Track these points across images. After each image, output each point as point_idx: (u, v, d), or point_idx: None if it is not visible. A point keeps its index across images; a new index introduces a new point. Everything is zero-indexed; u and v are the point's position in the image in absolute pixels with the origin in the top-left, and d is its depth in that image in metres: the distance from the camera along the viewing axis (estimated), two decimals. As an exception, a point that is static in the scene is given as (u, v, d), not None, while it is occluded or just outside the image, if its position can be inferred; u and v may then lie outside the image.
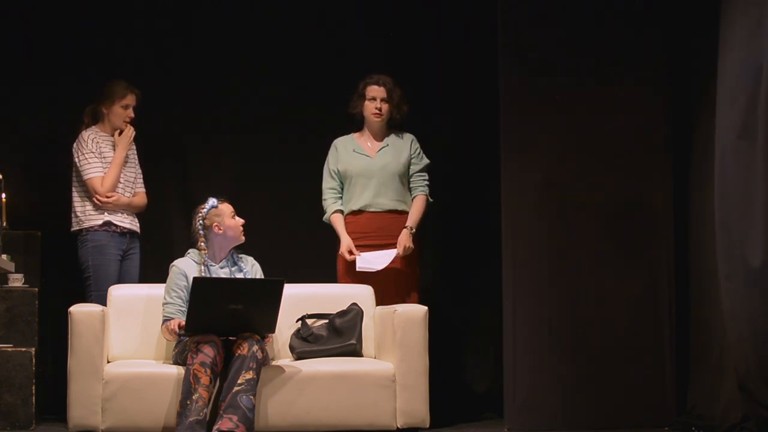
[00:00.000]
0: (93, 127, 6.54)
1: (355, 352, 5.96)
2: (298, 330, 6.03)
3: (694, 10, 6.24)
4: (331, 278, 6.46)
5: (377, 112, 6.47)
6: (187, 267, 5.87)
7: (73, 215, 6.47)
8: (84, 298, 6.31)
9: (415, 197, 6.49)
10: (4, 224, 5.98)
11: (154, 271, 6.42)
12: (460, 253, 7.32)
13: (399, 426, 5.75)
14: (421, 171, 6.52)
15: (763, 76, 5.32)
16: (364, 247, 6.38)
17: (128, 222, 6.50)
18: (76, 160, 6.46)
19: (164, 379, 5.59)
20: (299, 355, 5.93)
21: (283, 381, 5.66)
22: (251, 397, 5.46)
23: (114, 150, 6.49)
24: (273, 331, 5.74)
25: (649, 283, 6.29)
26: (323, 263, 6.64)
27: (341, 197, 6.51)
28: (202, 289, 5.51)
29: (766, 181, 5.29)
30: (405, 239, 6.36)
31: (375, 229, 6.41)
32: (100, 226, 6.41)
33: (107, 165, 6.45)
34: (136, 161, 6.64)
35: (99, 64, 6.93)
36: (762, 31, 5.38)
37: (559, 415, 6.21)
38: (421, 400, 5.77)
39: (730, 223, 5.55)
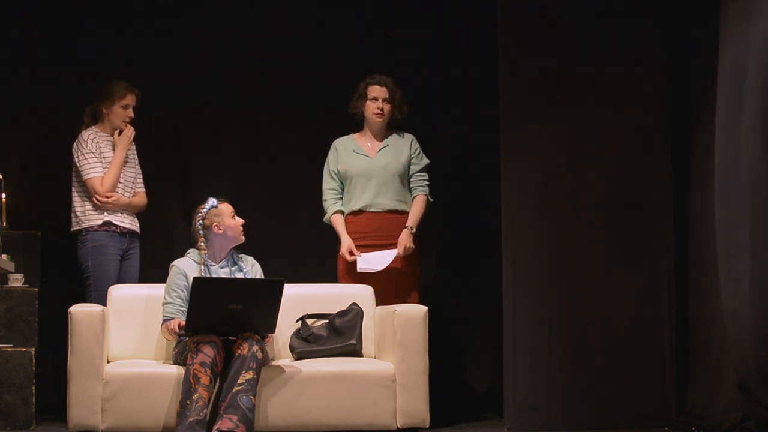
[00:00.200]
0: (93, 127, 6.54)
1: (355, 352, 5.96)
2: (298, 330, 6.03)
3: (694, 9, 6.24)
4: (331, 278, 6.46)
5: (379, 112, 6.47)
6: (187, 267, 5.87)
7: (72, 215, 6.47)
8: (84, 298, 6.31)
9: (415, 197, 6.49)
10: (4, 224, 5.98)
11: (154, 271, 6.42)
12: (460, 253, 7.32)
13: (399, 426, 5.75)
14: (421, 171, 6.52)
15: (760, 74, 5.33)
16: (364, 247, 6.38)
17: (128, 222, 6.50)
18: (76, 160, 6.46)
19: (164, 379, 5.59)
20: (299, 355, 5.93)
21: (283, 381, 5.66)
22: (251, 397, 5.46)
23: (114, 150, 6.50)
24: (273, 331, 5.74)
25: (649, 283, 6.29)
26: (323, 263, 6.65)
27: (341, 198, 6.51)
28: (202, 289, 5.51)
29: None
30: (405, 239, 6.36)
31: (375, 229, 6.41)
32: (100, 226, 6.41)
33: (107, 165, 6.45)
34: (136, 161, 6.64)
35: (99, 64, 6.93)
36: (760, 30, 5.38)
37: (559, 415, 6.21)
38: (421, 400, 5.77)
39: (731, 223, 5.55)
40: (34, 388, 6.10)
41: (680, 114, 6.39)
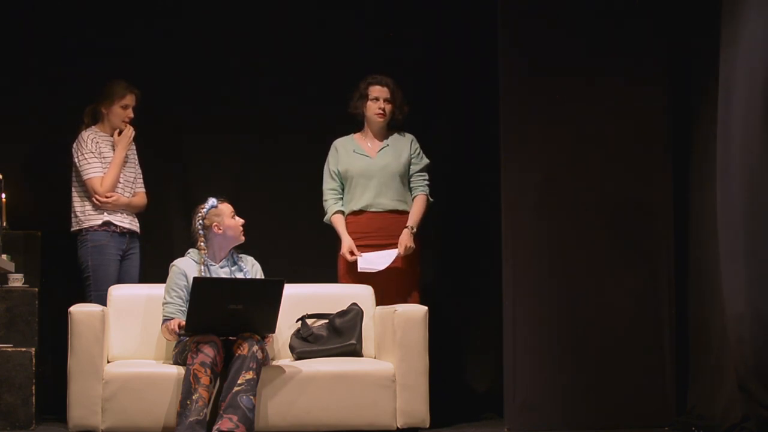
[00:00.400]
0: (93, 127, 6.54)
1: (355, 352, 5.96)
2: (298, 330, 6.03)
3: (695, 9, 6.24)
4: (332, 278, 6.46)
5: (380, 112, 6.47)
6: (187, 267, 5.87)
7: (72, 215, 6.47)
8: (84, 298, 6.31)
9: (415, 197, 6.49)
10: (4, 224, 5.98)
11: (154, 271, 6.42)
12: (460, 253, 7.31)
13: (399, 426, 5.75)
14: (421, 171, 6.52)
15: (762, 73, 5.33)
16: (365, 247, 6.38)
17: (128, 222, 6.50)
18: (76, 160, 6.46)
19: (164, 379, 5.59)
20: (299, 355, 5.93)
21: (283, 381, 5.66)
22: (251, 397, 5.46)
23: (114, 150, 6.49)
24: (273, 331, 5.74)
25: (649, 283, 6.29)
26: (323, 263, 6.65)
27: (342, 198, 6.51)
28: (202, 289, 5.51)
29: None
30: (406, 239, 6.37)
31: (376, 229, 6.42)
32: (100, 226, 6.41)
33: (107, 165, 6.45)
34: (136, 161, 6.64)
35: (99, 64, 6.92)
36: (761, 29, 5.38)
37: (559, 415, 6.21)
38: (421, 400, 5.77)
39: (733, 223, 5.55)
40: (34, 388, 6.10)
41: (680, 114, 6.39)
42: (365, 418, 5.71)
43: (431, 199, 6.52)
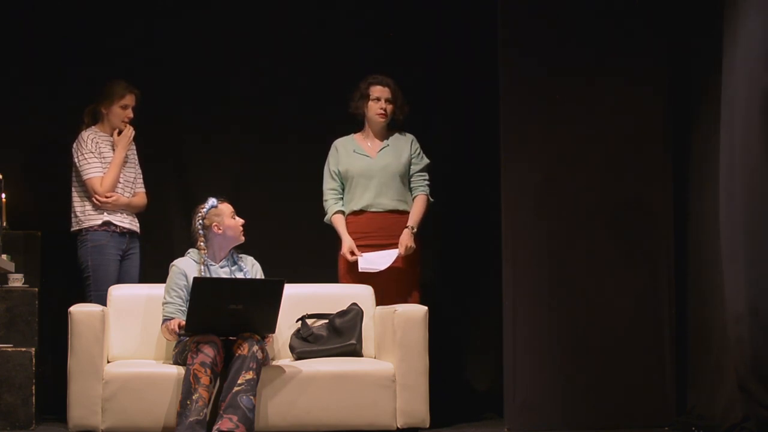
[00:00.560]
0: (93, 127, 6.54)
1: (355, 352, 5.96)
2: (298, 330, 6.03)
3: (695, 9, 6.24)
4: (332, 278, 6.46)
5: (382, 112, 6.47)
6: (187, 267, 5.87)
7: (72, 215, 6.47)
8: (84, 298, 6.31)
9: (415, 197, 6.49)
10: (4, 224, 5.98)
11: (154, 271, 6.42)
12: (460, 253, 7.31)
13: (399, 426, 5.75)
14: (421, 171, 6.52)
15: (764, 73, 5.34)
16: (365, 247, 6.38)
17: (128, 222, 6.50)
18: (76, 160, 6.46)
19: (164, 379, 5.59)
20: (299, 355, 5.93)
21: (283, 381, 5.66)
22: (251, 397, 5.46)
23: (113, 150, 6.49)
24: (273, 331, 5.74)
25: (649, 283, 6.29)
26: (323, 263, 6.65)
27: (342, 198, 6.51)
28: (202, 289, 5.51)
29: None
30: (406, 239, 6.37)
31: (376, 229, 6.42)
32: (100, 226, 6.41)
33: (107, 165, 6.45)
34: (136, 161, 6.64)
35: (99, 64, 6.93)
36: (762, 29, 5.38)
37: (559, 415, 6.21)
38: (421, 400, 5.77)
39: (734, 223, 5.55)
40: (34, 388, 6.10)
41: (680, 114, 6.38)
42: (365, 418, 5.71)
43: (431, 199, 6.52)
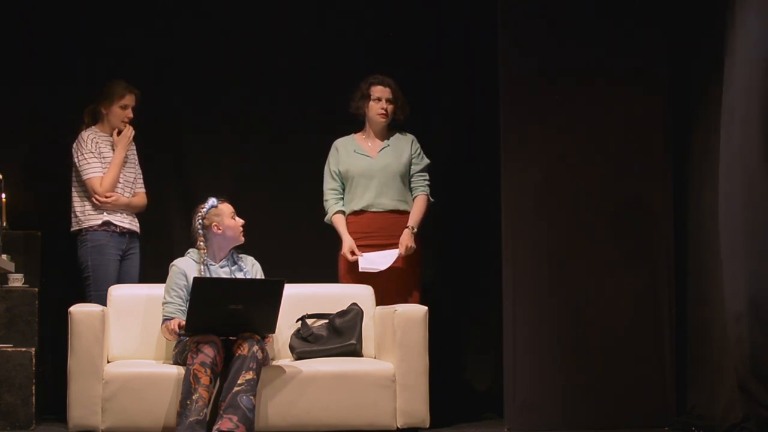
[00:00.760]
0: (93, 127, 6.54)
1: (355, 352, 5.96)
2: (298, 330, 6.03)
3: (695, 9, 6.24)
4: (332, 278, 6.46)
5: (383, 112, 6.47)
6: (187, 266, 5.87)
7: (72, 215, 6.47)
8: (84, 298, 6.31)
9: (416, 197, 6.50)
10: (4, 224, 5.98)
11: (154, 271, 6.42)
12: (460, 253, 7.31)
13: (399, 426, 5.75)
14: (421, 171, 6.52)
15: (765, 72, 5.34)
16: (366, 247, 6.38)
17: (128, 222, 6.50)
18: (76, 160, 6.46)
19: (164, 379, 5.59)
20: (299, 355, 5.93)
21: (283, 381, 5.66)
22: (251, 397, 5.46)
23: (113, 150, 6.49)
24: (273, 331, 5.74)
25: (649, 283, 6.29)
26: (323, 263, 6.64)
27: (342, 198, 6.51)
28: (202, 289, 5.51)
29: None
30: (407, 239, 6.37)
31: (377, 229, 6.42)
32: (100, 226, 6.41)
33: (107, 165, 6.45)
34: (136, 161, 6.64)
35: (99, 64, 6.93)
36: (763, 29, 5.39)
37: (559, 415, 6.21)
38: (421, 400, 5.77)
39: (733, 223, 5.55)
40: (34, 388, 6.10)
41: (680, 114, 6.38)
42: (365, 418, 5.71)
43: (432, 199, 6.52)
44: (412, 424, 5.77)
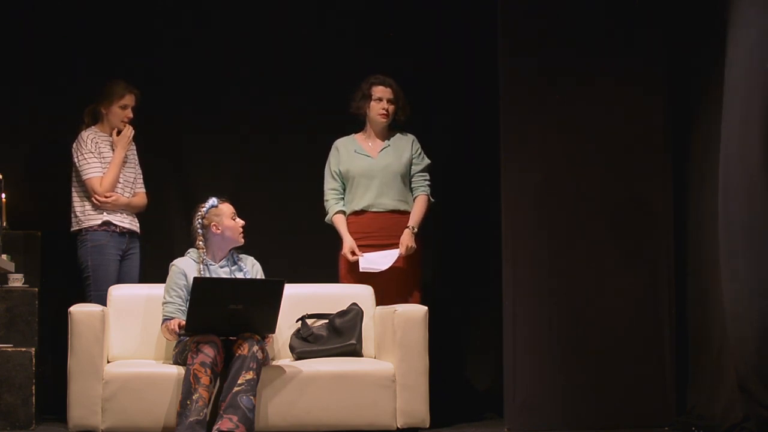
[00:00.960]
0: (92, 127, 6.54)
1: (355, 352, 5.96)
2: (298, 330, 6.03)
3: (695, 9, 6.24)
4: (332, 278, 6.46)
5: (384, 112, 6.47)
6: (186, 266, 5.87)
7: (72, 215, 6.47)
8: (84, 298, 6.31)
9: (416, 197, 6.50)
10: (4, 224, 5.98)
11: (154, 271, 6.42)
12: (460, 253, 7.31)
13: (399, 426, 5.75)
14: (422, 171, 6.53)
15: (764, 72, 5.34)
16: (366, 247, 6.38)
17: (128, 222, 6.50)
18: (76, 160, 6.46)
19: (164, 379, 5.59)
20: (299, 355, 5.93)
21: (283, 381, 5.66)
22: (251, 397, 5.46)
23: (113, 150, 6.49)
24: (273, 331, 5.74)
25: (649, 283, 6.29)
26: (324, 263, 6.65)
27: (343, 198, 6.51)
28: (202, 289, 5.50)
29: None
30: (407, 239, 6.37)
31: (377, 229, 6.42)
32: (99, 225, 6.41)
33: (106, 165, 6.45)
34: (136, 161, 6.64)
35: (99, 64, 6.93)
36: (759, 30, 5.39)
37: (559, 415, 6.21)
38: (421, 400, 5.77)
39: (732, 223, 5.55)
40: (34, 388, 6.10)
41: (680, 114, 6.38)
42: (365, 418, 5.71)
43: (432, 200, 6.52)
44: (412, 424, 5.77)
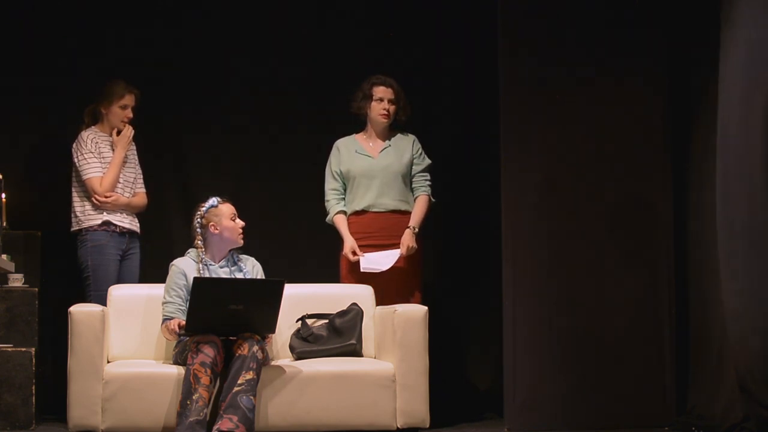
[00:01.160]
0: (92, 127, 6.54)
1: (355, 352, 5.96)
2: (298, 330, 6.03)
3: (695, 9, 6.24)
4: (332, 278, 6.46)
5: (385, 113, 6.48)
6: (186, 266, 5.87)
7: (72, 215, 6.47)
8: (84, 298, 6.31)
9: (417, 197, 6.50)
10: (4, 224, 5.98)
11: (154, 271, 6.42)
12: (460, 253, 7.31)
13: (399, 426, 5.75)
14: (423, 171, 6.53)
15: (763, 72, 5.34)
16: (367, 247, 6.38)
17: (128, 222, 6.50)
18: (76, 160, 6.46)
19: (164, 379, 5.59)
20: (299, 355, 5.93)
21: (283, 381, 5.66)
22: (251, 397, 5.46)
23: (113, 150, 6.49)
24: (273, 331, 5.73)
25: (649, 283, 6.29)
26: (324, 263, 6.65)
27: (344, 198, 6.51)
28: (202, 289, 5.50)
29: None
30: (408, 239, 6.37)
31: (378, 229, 6.42)
32: (99, 225, 6.41)
33: (106, 165, 6.45)
34: (136, 161, 6.64)
35: (98, 64, 6.92)
36: (761, 29, 5.39)
37: (559, 415, 6.21)
38: (421, 400, 5.77)
39: (732, 223, 5.55)
40: (34, 388, 6.10)
41: (680, 114, 6.39)
42: (365, 418, 5.71)
43: (433, 200, 6.52)
44: (412, 424, 5.77)
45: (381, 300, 6.18)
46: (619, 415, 6.21)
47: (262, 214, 6.81)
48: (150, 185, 6.68)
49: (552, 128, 6.29)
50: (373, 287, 6.23)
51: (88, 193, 6.43)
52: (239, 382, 5.45)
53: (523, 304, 6.24)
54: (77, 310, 5.68)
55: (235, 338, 5.61)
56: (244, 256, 6.02)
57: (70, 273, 6.57)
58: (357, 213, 6.46)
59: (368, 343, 6.08)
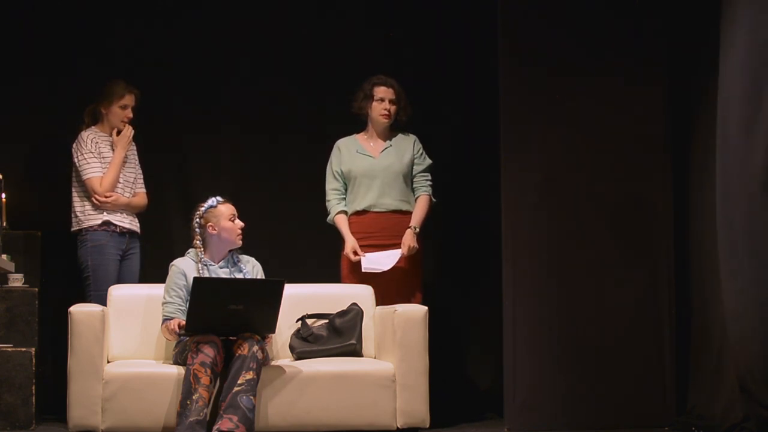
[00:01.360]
0: (92, 127, 6.54)
1: (355, 352, 5.96)
2: (298, 330, 6.03)
3: (694, 9, 6.24)
4: (332, 278, 6.46)
5: (386, 113, 6.48)
6: (186, 266, 5.87)
7: (72, 215, 6.48)
8: (84, 298, 6.31)
9: (418, 197, 6.50)
10: (4, 224, 5.98)
11: (154, 271, 6.42)
12: (460, 253, 7.31)
13: (399, 426, 5.75)
14: (424, 171, 6.53)
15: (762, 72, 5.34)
16: (368, 247, 6.38)
17: (128, 222, 6.50)
18: (76, 160, 6.46)
19: (164, 379, 5.59)
20: (299, 355, 5.93)
21: (283, 381, 5.66)
22: (251, 397, 5.46)
23: (113, 150, 6.50)
24: (273, 331, 5.73)
25: (649, 283, 6.29)
26: (324, 263, 6.65)
27: (345, 198, 6.51)
28: (202, 289, 5.50)
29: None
30: (409, 239, 6.37)
31: (379, 229, 6.42)
32: (99, 225, 6.41)
33: (106, 165, 6.45)
34: (136, 161, 6.64)
35: (99, 64, 6.93)
36: (762, 30, 5.38)
37: (559, 415, 6.21)
38: (421, 400, 5.77)
39: (731, 223, 5.55)
40: (34, 388, 6.10)
41: (680, 114, 6.39)
42: (365, 418, 5.71)
43: (434, 200, 6.52)
44: (412, 424, 5.77)
45: (382, 300, 6.18)
46: (619, 415, 6.22)
47: (261, 214, 6.81)
48: (150, 185, 6.68)
49: (552, 128, 6.29)
50: (373, 287, 6.23)
51: (88, 193, 6.43)
52: (239, 382, 5.45)
53: (523, 304, 6.24)
54: (77, 310, 5.68)
55: (235, 338, 5.61)
56: (244, 257, 6.02)
57: (70, 273, 6.57)
58: (358, 213, 6.46)
59: (368, 343, 6.08)
